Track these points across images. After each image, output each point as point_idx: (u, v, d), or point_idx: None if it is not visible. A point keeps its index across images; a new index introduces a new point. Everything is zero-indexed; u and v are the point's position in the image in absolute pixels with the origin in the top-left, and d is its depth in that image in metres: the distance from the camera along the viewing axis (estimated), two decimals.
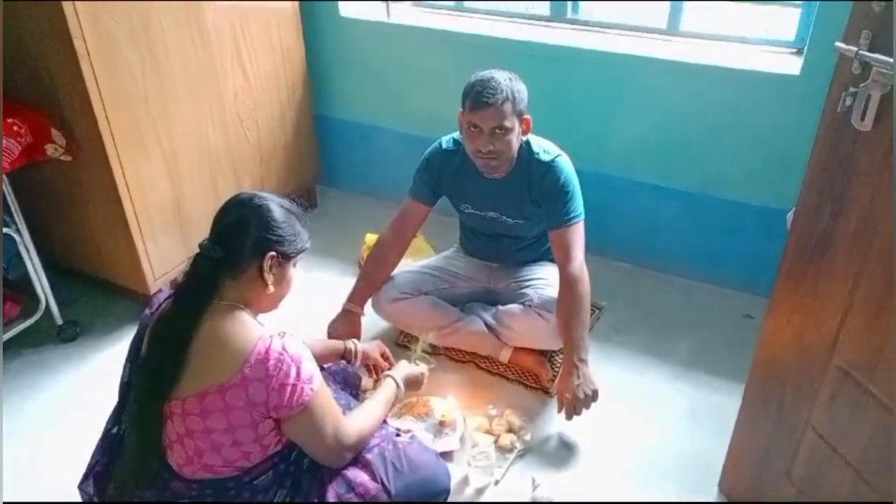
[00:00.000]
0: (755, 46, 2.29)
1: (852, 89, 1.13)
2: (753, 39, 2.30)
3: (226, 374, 1.22)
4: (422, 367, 1.82)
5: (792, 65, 2.13)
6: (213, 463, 1.28)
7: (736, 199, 2.33)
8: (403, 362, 1.79)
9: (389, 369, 1.77)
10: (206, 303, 1.28)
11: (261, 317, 1.47)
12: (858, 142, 1.16)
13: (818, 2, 1.99)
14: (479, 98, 1.78)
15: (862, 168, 1.17)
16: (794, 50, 2.22)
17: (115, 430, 1.44)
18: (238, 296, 1.32)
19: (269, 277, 1.32)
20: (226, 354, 1.24)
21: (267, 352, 1.24)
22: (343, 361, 1.86)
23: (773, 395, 1.49)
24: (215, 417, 1.24)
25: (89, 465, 1.45)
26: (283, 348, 1.26)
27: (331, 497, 1.40)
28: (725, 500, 1.71)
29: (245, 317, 1.30)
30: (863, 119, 1.12)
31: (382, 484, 1.44)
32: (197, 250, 1.33)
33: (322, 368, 1.70)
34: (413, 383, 1.76)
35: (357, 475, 1.44)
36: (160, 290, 1.51)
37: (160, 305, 1.39)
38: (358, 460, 1.46)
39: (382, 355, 1.92)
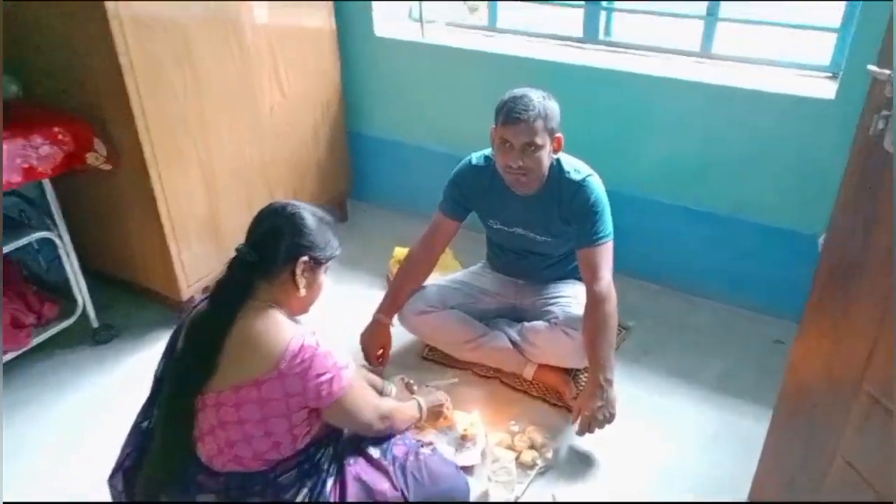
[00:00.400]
0: (790, 70, 2.28)
1: (884, 112, 1.12)
2: (788, 63, 2.29)
3: (262, 369, 1.28)
4: (440, 395, 1.89)
5: (827, 89, 2.12)
6: (243, 455, 1.32)
7: (767, 223, 2.31)
8: (432, 391, 1.90)
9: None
10: (240, 302, 1.34)
11: None
12: (890, 165, 1.15)
13: (852, 24, 1.97)
14: (511, 114, 1.80)
15: (893, 192, 1.16)
16: (830, 75, 2.20)
17: (144, 424, 1.48)
18: (271, 297, 1.37)
19: (302, 281, 1.38)
20: (262, 350, 1.29)
21: (301, 348, 1.30)
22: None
23: (801, 421, 1.47)
24: (249, 408, 1.29)
25: (119, 459, 1.49)
26: (318, 343, 1.32)
27: (350, 501, 1.43)
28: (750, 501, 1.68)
29: (279, 315, 1.36)
30: (895, 143, 1.11)
31: (402, 493, 1.46)
32: (232, 255, 1.39)
33: None
34: (435, 413, 1.84)
35: (377, 482, 1.46)
36: (194, 299, 1.57)
37: (196, 305, 1.43)
38: (378, 467, 1.48)
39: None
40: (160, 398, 1.41)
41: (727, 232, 2.41)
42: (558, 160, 1.94)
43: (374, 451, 1.54)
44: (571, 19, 2.70)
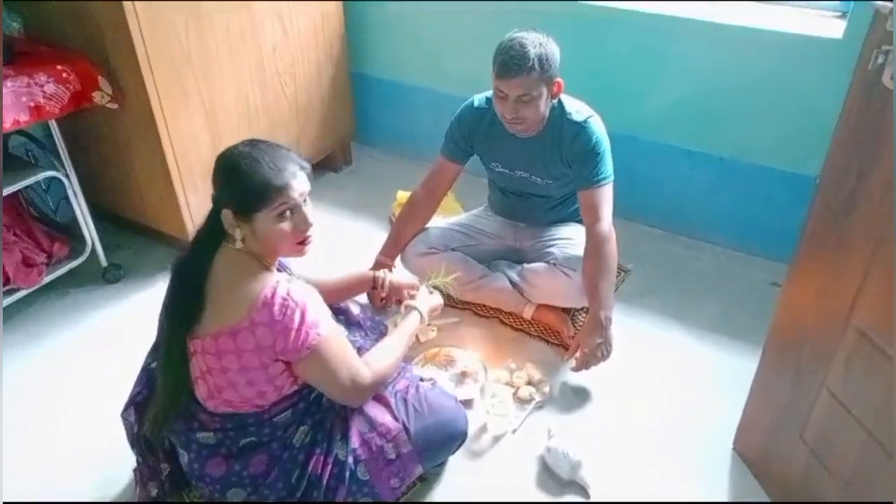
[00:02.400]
0: (796, 9, 2.23)
1: (885, 47, 1.12)
2: (795, 2, 2.24)
3: (236, 318, 1.28)
4: (438, 297, 1.81)
5: (835, 28, 2.08)
6: (231, 399, 1.35)
7: (770, 165, 2.31)
8: (424, 291, 1.80)
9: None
10: (213, 248, 1.34)
11: (294, 262, 1.53)
12: (888, 101, 1.15)
13: None
14: (505, 66, 1.76)
15: (890, 129, 1.16)
16: (839, 13, 2.16)
17: (153, 365, 1.52)
18: (245, 244, 1.33)
19: (236, 232, 1.31)
20: (235, 298, 1.29)
21: (272, 297, 1.27)
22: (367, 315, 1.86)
23: (790, 356, 1.51)
24: (229, 358, 1.30)
25: (131, 395, 1.55)
26: (288, 293, 1.28)
27: (354, 434, 1.48)
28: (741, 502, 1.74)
29: (252, 263, 1.33)
30: (893, 78, 1.11)
31: (403, 424, 1.51)
32: None
33: (358, 325, 1.77)
34: (431, 313, 1.77)
35: (379, 415, 1.51)
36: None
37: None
38: (380, 400, 1.53)
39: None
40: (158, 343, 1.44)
41: (730, 175, 2.41)
42: (560, 102, 1.94)
43: None
44: None
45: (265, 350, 1.29)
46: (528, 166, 2.05)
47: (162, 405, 1.40)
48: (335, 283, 1.78)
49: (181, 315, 1.33)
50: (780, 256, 2.38)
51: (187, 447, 1.42)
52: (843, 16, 2.12)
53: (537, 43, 1.77)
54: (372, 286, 1.87)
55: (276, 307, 1.27)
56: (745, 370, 1.74)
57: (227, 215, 1.30)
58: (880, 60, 1.13)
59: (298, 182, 1.31)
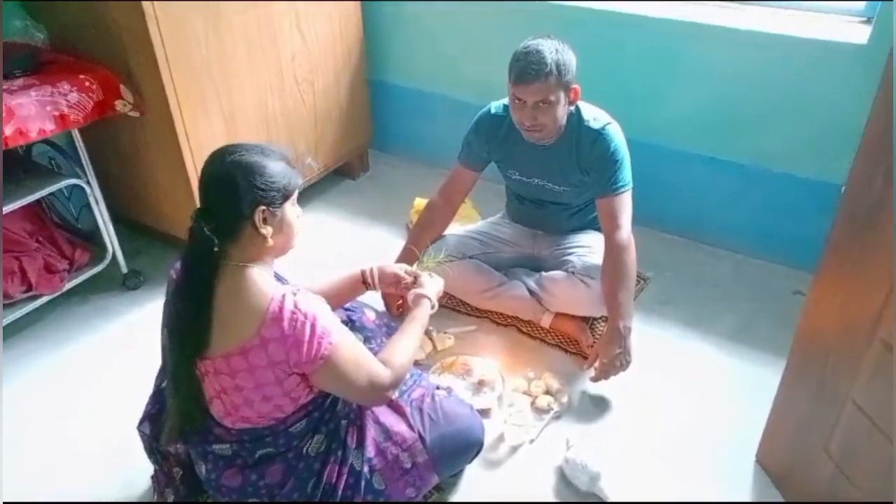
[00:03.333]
0: (820, 14, 2.20)
1: None
2: (818, 7, 2.22)
3: (245, 336, 1.25)
4: (439, 280, 1.72)
5: (860, 34, 2.05)
6: (249, 416, 1.34)
7: (792, 172, 2.28)
8: (425, 276, 1.70)
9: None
10: (213, 269, 1.27)
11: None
12: None
13: None
14: (522, 72, 1.76)
15: None
16: (864, 19, 2.13)
17: (163, 386, 1.51)
18: (244, 254, 1.30)
19: (267, 230, 1.28)
20: (243, 316, 1.26)
21: (280, 311, 1.24)
22: (373, 317, 1.82)
23: (814, 367, 1.48)
24: (243, 376, 1.28)
25: (145, 410, 1.56)
26: (296, 305, 1.26)
27: (370, 443, 1.48)
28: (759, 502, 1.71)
29: (256, 276, 1.29)
30: None
31: (419, 433, 1.50)
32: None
33: (375, 332, 1.74)
34: (438, 297, 1.70)
35: (395, 423, 1.51)
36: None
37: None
38: (396, 409, 1.53)
39: (404, 296, 1.82)
40: (166, 366, 1.43)
41: (752, 183, 2.38)
42: (577, 109, 1.92)
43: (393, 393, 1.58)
44: None
45: (279, 365, 1.27)
46: (545, 174, 2.04)
47: (176, 424, 1.39)
48: (329, 287, 1.69)
49: (190, 341, 1.29)
50: (802, 264, 2.34)
51: (204, 458, 1.43)
52: (868, 21, 2.09)
53: (554, 49, 1.77)
54: (363, 283, 1.79)
55: (286, 321, 1.24)
56: (767, 380, 1.71)
57: (260, 213, 1.26)
58: None
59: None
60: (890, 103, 1.17)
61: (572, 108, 1.91)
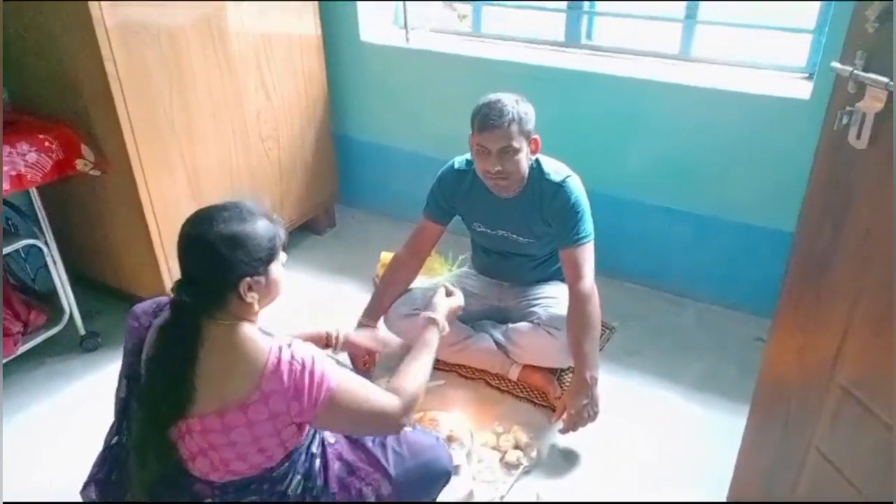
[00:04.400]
0: (766, 71, 2.32)
1: (848, 108, 1.15)
2: (765, 65, 2.33)
3: (243, 392, 1.22)
4: (458, 297, 1.74)
5: (802, 89, 2.15)
6: (237, 468, 1.31)
7: (748, 221, 2.34)
8: (441, 296, 1.71)
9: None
10: (195, 333, 1.24)
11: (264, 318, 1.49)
12: (855, 160, 1.18)
13: (826, 26, 2.01)
14: (486, 120, 1.82)
15: (860, 186, 1.18)
16: (806, 75, 2.24)
17: (114, 442, 1.46)
18: (231, 314, 1.27)
19: (253, 296, 1.26)
20: (240, 372, 1.23)
21: (278, 363, 1.23)
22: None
23: (777, 414, 1.49)
24: (239, 432, 1.24)
25: (91, 473, 1.48)
26: (293, 356, 1.25)
27: (333, 480, 1.45)
28: (729, 501, 1.70)
29: (247, 331, 1.27)
30: (858, 138, 1.14)
31: (384, 469, 1.48)
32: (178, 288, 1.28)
33: None
34: (452, 316, 1.70)
35: (358, 459, 1.49)
36: (142, 301, 1.45)
37: (151, 318, 1.38)
38: (358, 445, 1.51)
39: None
40: (131, 429, 1.37)
41: (710, 232, 2.44)
42: (538, 162, 1.97)
43: None
44: (553, 23, 2.73)
45: (280, 416, 1.25)
46: (509, 226, 2.07)
47: (148, 484, 1.32)
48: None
49: (169, 404, 1.25)
50: (763, 311, 2.38)
51: None
52: (810, 77, 2.20)
53: (514, 100, 1.85)
54: (325, 344, 1.80)
55: (285, 373, 1.23)
56: (734, 427, 1.71)
57: (244, 286, 1.24)
58: (844, 121, 1.16)
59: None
60: (831, 156, 1.22)
61: (534, 157, 1.95)
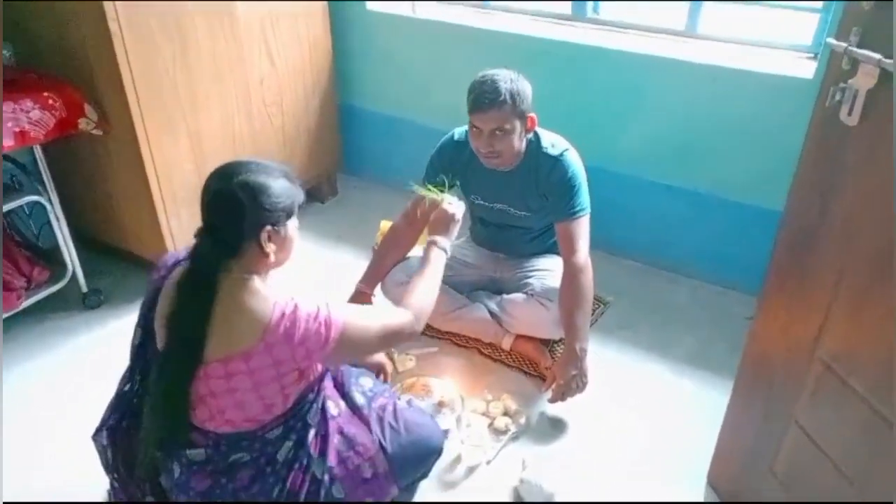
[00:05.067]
0: (772, 50, 2.30)
1: (841, 84, 1.16)
2: (770, 43, 2.31)
3: (248, 342, 1.26)
4: (455, 208, 1.72)
5: (806, 69, 2.14)
6: (235, 418, 1.35)
7: (746, 201, 2.34)
8: (441, 210, 1.71)
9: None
10: (213, 282, 1.30)
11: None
12: (846, 137, 1.18)
13: (833, 5, 2.00)
14: (478, 100, 1.80)
15: (849, 163, 1.19)
16: (812, 55, 2.22)
17: (127, 389, 1.51)
18: (245, 268, 1.33)
19: (271, 248, 1.32)
20: (246, 323, 1.27)
21: (282, 316, 1.28)
22: None
23: (760, 389, 1.51)
24: (239, 379, 1.29)
25: (103, 419, 1.53)
26: (296, 307, 1.30)
27: (331, 453, 1.49)
28: (716, 500, 1.73)
29: (258, 285, 1.32)
30: (850, 114, 1.15)
31: (379, 443, 1.53)
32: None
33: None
34: (454, 227, 1.73)
35: (358, 434, 1.53)
36: (167, 253, 1.53)
37: (169, 271, 1.43)
38: (361, 419, 1.57)
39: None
40: (153, 373, 1.41)
41: (707, 210, 2.45)
42: (536, 135, 1.97)
43: (360, 399, 1.61)
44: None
45: (284, 363, 1.29)
46: (506, 199, 2.08)
47: (158, 431, 1.38)
48: None
49: (189, 355, 1.29)
50: (756, 290, 2.39)
51: (178, 460, 1.41)
52: (815, 57, 2.18)
53: (508, 79, 1.82)
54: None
55: (288, 322, 1.27)
56: (720, 403, 1.73)
57: (265, 235, 1.30)
58: (837, 97, 1.16)
59: None
60: (822, 133, 1.23)
61: (530, 135, 1.95)
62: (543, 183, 1.98)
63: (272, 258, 1.34)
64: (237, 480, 1.39)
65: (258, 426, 1.38)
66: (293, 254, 1.42)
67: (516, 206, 2.08)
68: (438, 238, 1.67)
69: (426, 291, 1.53)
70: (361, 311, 1.43)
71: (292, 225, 1.38)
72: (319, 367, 1.45)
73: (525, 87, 1.85)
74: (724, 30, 2.39)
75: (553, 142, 1.98)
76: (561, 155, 1.96)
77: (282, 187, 1.32)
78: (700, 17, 2.38)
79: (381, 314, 1.45)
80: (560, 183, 1.95)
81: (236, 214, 1.28)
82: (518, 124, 1.86)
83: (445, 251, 1.65)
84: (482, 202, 2.13)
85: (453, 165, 2.09)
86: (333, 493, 1.46)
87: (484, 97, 1.79)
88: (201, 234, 1.31)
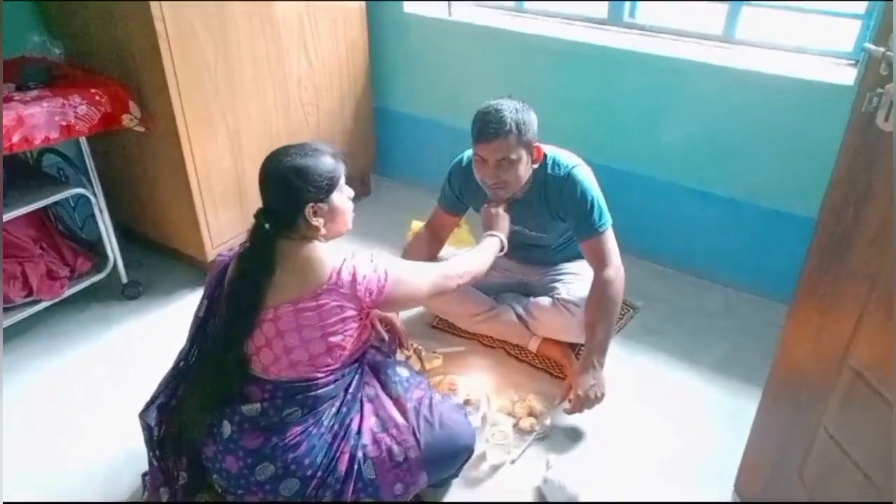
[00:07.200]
0: (811, 56, 2.27)
1: (878, 90, 1.14)
2: (810, 49, 2.28)
3: (318, 282, 1.43)
4: (505, 217, 1.92)
5: (847, 75, 2.11)
6: (300, 359, 1.45)
7: (780, 208, 2.31)
8: (499, 216, 1.91)
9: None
10: (272, 249, 1.46)
11: None
12: (881, 143, 1.17)
13: (875, 10, 1.97)
14: (483, 131, 1.77)
15: (884, 170, 1.18)
16: (852, 61, 2.19)
17: (182, 365, 1.59)
18: (304, 235, 1.48)
19: (318, 221, 1.47)
20: (314, 267, 1.44)
21: (344, 261, 1.47)
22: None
23: (789, 395, 1.50)
24: (307, 315, 1.43)
25: (153, 395, 1.60)
26: (355, 255, 1.49)
27: (366, 431, 1.55)
28: (738, 500, 1.72)
29: (318, 245, 1.48)
30: (886, 120, 1.13)
31: (414, 432, 1.57)
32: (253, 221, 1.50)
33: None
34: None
35: (394, 417, 1.59)
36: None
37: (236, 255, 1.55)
38: (398, 404, 1.63)
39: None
40: (217, 325, 1.54)
41: (743, 217, 2.42)
42: (544, 155, 1.92)
43: (397, 387, 1.67)
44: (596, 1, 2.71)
45: (349, 300, 1.45)
46: (521, 222, 2.04)
47: (212, 389, 1.48)
48: None
49: (251, 306, 1.44)
50: (789, 299, 2.36)
51: (230, 418, 1.47)
52: (855, 64, 2.15)
53: (514, 109, 1.78)
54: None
55: (351, 266, 1.46)
56: (749, 412, 1.72)
57: (310, 209, 1.45)
58: (874, 103, 1.15)
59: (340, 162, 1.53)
60: (858, 137, 1.22)
61: (536, 165, 1.90)
62: (555, 204, 1.95)
63: (322, 230, 1.48)
64: (287, 437, 1.46)
65: (316, 371, 1.46)
66: (349, 222, 1.56)
67: (531, 228, 2.06)
68: (496, 231, 1.86)
69: (473, 261, 1.74)
70: (412, 262, 1.67)
71: (338, 197, 1.50)
72: (369, 330, 1.60)
73: (530, 118, 1.81)
74: (763, 36, 2.37)
75: (558, 161, 1.94)
76: (568, 174, 1.91)
77: (324, 165, 1.46)
78: (738, 22, 2.36)
79: (429, 267, 1.67)
80: (573, 203, 1.91)
81: (284, 192, 1.45)
82: (524, 154, 1.81)
83: (501, 241, 1.84)
84: None
85: (463, 190, 2.07)
86: (364, 472, 1.51)
87: (489, 127, 1.76)
88: (259, 214, 1.48)
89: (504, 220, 1.89)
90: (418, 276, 1.59)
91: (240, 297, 1.46)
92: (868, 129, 1.19)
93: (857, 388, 1.28)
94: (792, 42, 2.32)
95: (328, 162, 1.47)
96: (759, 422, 1.63)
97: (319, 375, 1.48)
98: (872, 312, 1.23)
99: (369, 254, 1.52)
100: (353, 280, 1.45)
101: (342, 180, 1.51)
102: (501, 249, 1.85)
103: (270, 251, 1.45)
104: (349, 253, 1.49)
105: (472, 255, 1.78)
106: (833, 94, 2.09)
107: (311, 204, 1.45)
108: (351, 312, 1.46)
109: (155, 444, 1.56)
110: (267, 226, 1.45)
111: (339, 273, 1.44)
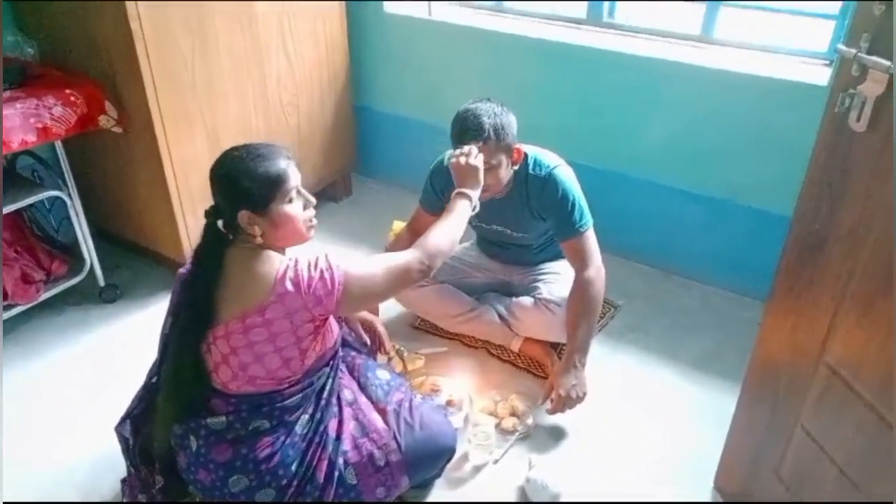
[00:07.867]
0: (787, 56, 2.29)
1: (850, 91, 1.16)
2: (786, 49, 2.31)
3: (262, 295, 1.36)
4: (477, 167, 1.67)
5: (821, 75, 2.13)
6: (257, 374, 1.41)
7: (760, 207, 2.34)
8: (469, 169, 1.66)
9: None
10: (220, 253, 1.41)
11: None
12: (855, 143, 1.19)
13: (849, 11, 1.99)
14: (461, 135, 1.76)
15: (857, 169, 1.20)
16: (827, 62, 2.22)
17: (154, 380, 1.57)
18: (252, 242, 1.42)
19: (255, 230, 1.39)
20: (257, 280, 1.37)
21: (286, 269, 1.38)
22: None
23: (767, 393, 1.51)
24: (257, 331, 1.37)
25: (128, 409, 1.59)
26: (296, 260, 1.40)
27: (346, 437, 1.54)
28: (720, 500, 1.73)
29: (265, 252, 1.41)
30: (858, 121, 1.15)
31: (395, 435, 1.56)
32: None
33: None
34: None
35: (374, 421, 1.58)
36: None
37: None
38: (377, 409, 1.61)
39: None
40: (171, 343, 1.49)
41: (721, 215, 2.44)
42: (525, 156, 1.92)
43: (377, 390, 1.66)
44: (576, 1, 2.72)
45: (297, 314, 1.36)
46: (501, 221, 2.05)
47: (174, 401, 1.45)
48: None
49: (201, 315, 1.40)
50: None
51: (196, 433, 1.45)
52: (830, 63, 2.18)
53: (492, 113, 1.76)
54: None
55: (295, 275, 1.37)
56: (728, 408, 1.74)
57: (243, 216, 1.38)
58: (846, 104, 1.17)
59: (293, 169, 1.43)
60: (831, 137, 1.23)
61: (516, 167, 1.89)
62: (535, 204, 1.95)
63: (258, 239, 1.41)
64: (257, 450, 1.43)
65: (278, 385, 1.43)
66: (303, 232, 1.46)
67: (512, 228, 2.06)
68: (467, 189, 1.65)
69: (444, 233, 1.55)
70: (363, 258, 1.50)
71: (281, 206, 1.40)
72: (335, 331, 1.53)
73: (509, 120, 1.79)
74: (741, 36, 2.39)
75: (539, 161, 1.93)
76: (549, 174, 1.91)
77: (263, 173, 1.37)
78: (716, 22, 2.38)
79: (383, 257, 1.50)
80: (553, 203, 1.91)
81: (222, 197, 1.40)
82: (503, 158, 1.80)
83: (471, 201, 1.64)
84: (479, 223, 2.11)
85: (445, 189, 2.05)
86: (346, 478, 1.50)
87: (468, 132, 1.74)
88: (207, 212, 1.44)
89: (476, 174, 1.66)
90: (371, 270, 1.44)
91: (190, 307, 1.42)
92: (840, 129, 1.21)
93: (833, 384, 1.30)
94: (770, 42, 2.34)
95: (272, 168, 1.37)
96: (737, 419, 1.64)
97: (282, 388, 1.44)
98: (847, 310, 1.25)
99: (315, 257, 1.41)
100: (298, 290, 1.35)
101: (290, 188, 1.40)
102: (474, 209, 1.65)
103: (219, 260, 1.40)
104: (293, 260, 1.40)
105: (440, 229, 1.55)
106: (809, 93, 2.11)
107: (245, 212, 1.37)
108: (303, 323, 1.38)
109: (131, 454, 1.55)
110: (213, 226, 1.41)
111: (283, 284, 1.35)
